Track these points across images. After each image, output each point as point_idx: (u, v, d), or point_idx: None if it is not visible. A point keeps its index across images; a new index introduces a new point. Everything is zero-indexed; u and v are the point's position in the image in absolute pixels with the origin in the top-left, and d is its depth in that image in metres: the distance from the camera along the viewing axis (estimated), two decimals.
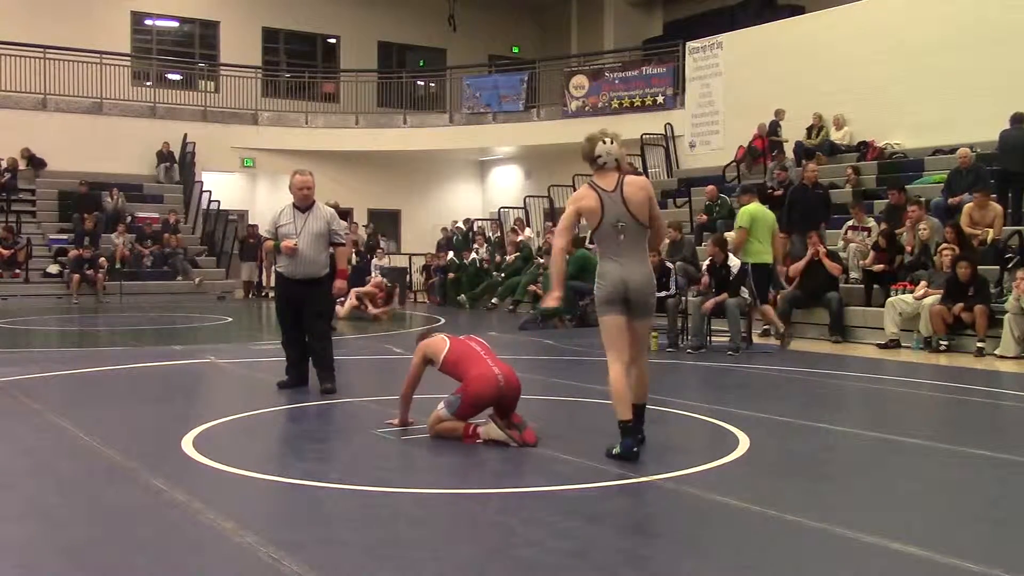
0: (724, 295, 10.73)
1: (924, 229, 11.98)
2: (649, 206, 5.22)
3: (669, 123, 20.81)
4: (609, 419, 6.78)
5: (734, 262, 11.02)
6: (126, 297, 19.28)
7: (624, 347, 5.21)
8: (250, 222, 23.55)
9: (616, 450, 5.18)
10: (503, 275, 18.14)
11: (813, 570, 3.66)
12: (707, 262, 11.21)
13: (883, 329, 11.44)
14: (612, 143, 5.28)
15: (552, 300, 5.45)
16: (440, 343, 5.89)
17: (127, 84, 23.25)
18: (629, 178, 5.27)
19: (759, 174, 17.66)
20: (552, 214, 19.26)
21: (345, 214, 19.97)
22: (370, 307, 15.07)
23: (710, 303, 10.73)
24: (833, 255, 12.30)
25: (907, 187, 13.97)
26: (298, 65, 26.52)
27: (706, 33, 20.85)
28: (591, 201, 5.20)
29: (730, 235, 11.95)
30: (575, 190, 22.12)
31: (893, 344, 11.23)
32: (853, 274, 12.84)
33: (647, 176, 19.71)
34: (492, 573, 3.60)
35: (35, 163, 21.53)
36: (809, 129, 17.89)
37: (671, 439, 6.40)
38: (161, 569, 3.60)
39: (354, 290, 15.12)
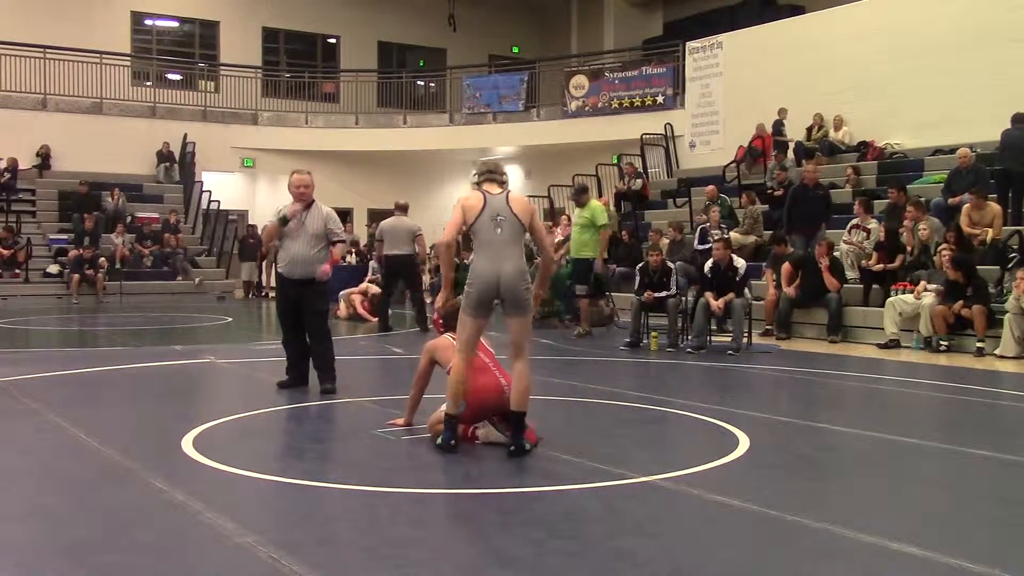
0: (731, 295, 10.72)
1: (924, 229, 11.97)
2: (531, 219, 5.47)
3: (669, 123, 20.80)
4: (608, 419, 6.83)
5: (740, 263, 11.01)
6: (126, 297, 19.27)
7: (474, 350, 5.45)
8: (250, 222, 23.54)
9: (438, 441, 5.42)
10: None
11: (813, 570, 3.66)
12: (709, 263, 11.17)
13: (883, 329, 11.44)
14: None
15: (439, 301, 5.90)
16: (449, 350, 5.84)
17: (127, 84, 23.26)
18: (514, 194, 5.60)
19: (759, 174, 17.68)
20: (552, 214, 19.24)
21: (345, 214, 19.95)
22: (361, 311, 14.81)
23: (720, 303, 10.70)
24: (837, 268, 12.23)
25: (907, 187, 13.95)
26: (298, 65, 26.51)
27: (706, 33, 20.84)
28: (475, 200, 5.45)
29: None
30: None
31: (893, 344, 11.23)
32: (851, 274, 12.80)
33: (647, 176, 19.80)
34: (492, 573, 3.59)
35: (46, 163, 21.53)
36: (809, 129, 17.89)
37: (671, 439, 6.43)
38: (161, 569, 3.60)
39: (342, 293, 14.94)
